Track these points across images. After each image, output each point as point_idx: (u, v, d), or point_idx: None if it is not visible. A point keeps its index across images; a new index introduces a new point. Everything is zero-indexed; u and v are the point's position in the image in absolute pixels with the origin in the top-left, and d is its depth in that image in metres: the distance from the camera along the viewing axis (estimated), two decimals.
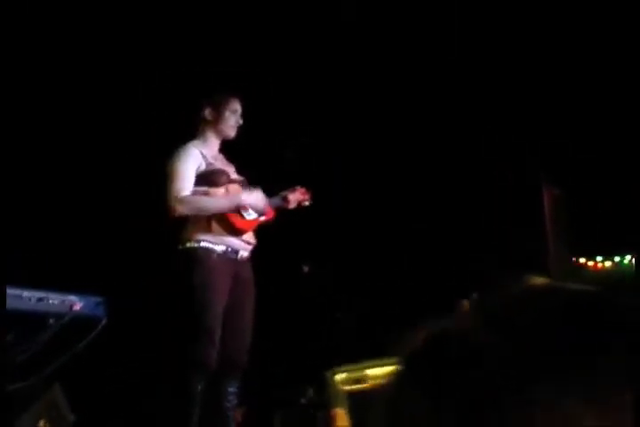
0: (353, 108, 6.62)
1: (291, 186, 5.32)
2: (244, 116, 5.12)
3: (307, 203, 5.33)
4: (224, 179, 5.00)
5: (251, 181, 5.18)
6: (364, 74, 6.32)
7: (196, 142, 5.04)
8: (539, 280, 1.09)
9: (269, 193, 5.14)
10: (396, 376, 1.01)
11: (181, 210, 4.75)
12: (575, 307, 0.96)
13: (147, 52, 6.27)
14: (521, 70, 6.13)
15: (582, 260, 7.34)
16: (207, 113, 5.07)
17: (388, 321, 6.28)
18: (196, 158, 4.93)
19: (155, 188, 4.86)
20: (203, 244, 4.80)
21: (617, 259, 7.41)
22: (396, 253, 6.65)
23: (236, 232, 4.91)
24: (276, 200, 5.22)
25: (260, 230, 5.09)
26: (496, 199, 6.23)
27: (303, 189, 5.33)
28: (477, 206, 6.45)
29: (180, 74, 6.26)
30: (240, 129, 5.12)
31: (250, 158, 5.39)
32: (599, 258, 7.37)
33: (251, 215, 4.99)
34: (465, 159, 6.50)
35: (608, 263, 7.43)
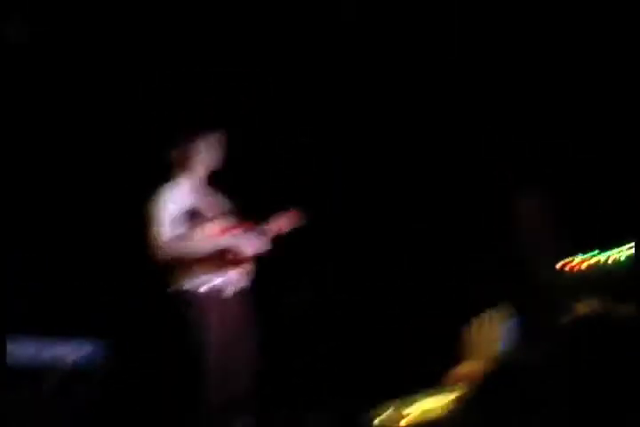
0: (345, 115, 6.60)
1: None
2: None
3: (295, 225, 5.31)
4: (205, 219, 5.07)
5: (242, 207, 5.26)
6: (361, 75, 6.36)
7: (175, 184, 5.09)
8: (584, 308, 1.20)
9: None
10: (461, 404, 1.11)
11: (164, 254, 4.81)
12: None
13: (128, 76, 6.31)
14: (499, 77, 6.20)
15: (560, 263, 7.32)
16: (175, 156, 5.14)
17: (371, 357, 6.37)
18: (174, 201, 4.99)
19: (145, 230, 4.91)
20: (192, 284, 4.86)
21: (594, 258, 7.43)
22: (380, 281, 6.64)
23: (225, 270, 4.97)
24: (260, 234, 5.21)
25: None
26: (471, 206, 6.28)
27: (290, 213, 5.29)
28: (457, 214, 6.47)
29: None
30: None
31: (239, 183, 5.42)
32: (577, 259, 7.37)
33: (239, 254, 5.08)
34: (439, 170, 6.51)
35: (585, 264, 7.44)
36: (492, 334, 2.56)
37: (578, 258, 7.30)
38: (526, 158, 6.18)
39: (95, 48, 6.17)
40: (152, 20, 6.05)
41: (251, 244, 5.11)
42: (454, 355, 3.75)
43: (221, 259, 4.98)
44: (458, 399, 2.28)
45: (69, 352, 5.04)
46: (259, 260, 5.17)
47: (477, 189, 6.37)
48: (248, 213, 5.25)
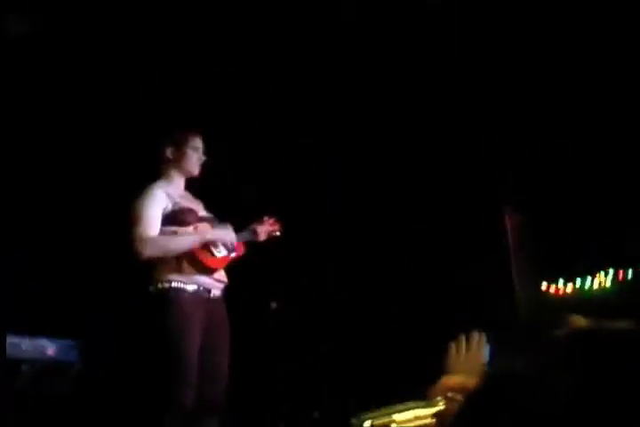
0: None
1: (258, 218, 5.32)
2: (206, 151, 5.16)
3: (277, 233, 5.33)
4: (192, 217, 5.02)
5: (219, 217, 5.21)
6: (361, 75, 6.31)
7: (160, 183, 5.03)
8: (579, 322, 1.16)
9: (238, 228, 5.17)
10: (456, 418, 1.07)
11: (148, 252, 4.74)
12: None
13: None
14: (488, 87, 6.18)
15: (544, 285, 7.22)
16: (169, 152, 5.09)
17: (358, 364, 6.30)
18: (160, 200, 4.93)
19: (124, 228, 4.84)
20: (174, 284, 4.79)
21: (578, 282, 7.43)
22: (373, 291, 6.57)
23: (207, 271, 4.91)
24: (245, 234, 5.23)
25: (229, 266, 5.11)
26: (458, 224, 6.24)
27: (272, 220, 5.32)
28: (440, 232, 6.44)
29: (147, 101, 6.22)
30: (204, 165, 5.16)
31: (215, 193, 5.36)
32: (560, 282, 7.35)
33: (221, 252, 5.02)
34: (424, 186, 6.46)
35: (569, 288, 7.43)
36: (478, 348, 2.52)
37: (561, 282, 7.32)
38: (516, 174, 6.13)
39: (90, 40, 6.11)
40: (152, 17, 6.01)
41: (233, 236, 5.07)
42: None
43: (206, 258, 4.91)
44: (445, 411, 2.23)
45: (46, 348, 4.96)
46: (259, 257, 5.12)
47: (441, 212, 6.40)
48: (241, 215, 5.21)
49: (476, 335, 2.53)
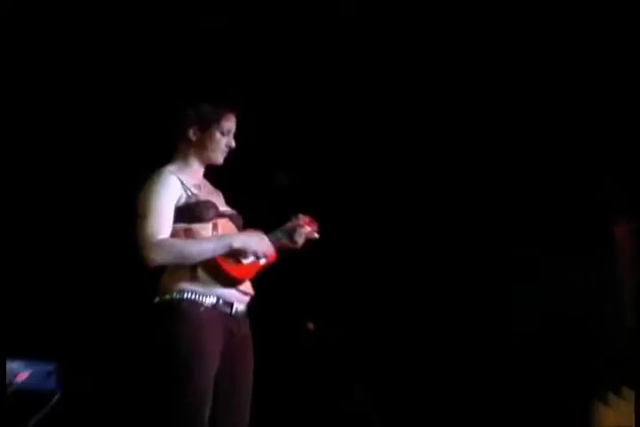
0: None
1: (288, 215, 4.24)
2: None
3: (315, 235, 4.23)
4: (211, 212, 3.98)
5: (243, 215, 4.17)
6: (361, 74, 6.03)
7: (173, 167, 4.02)
8: None
9: (265, 227, 4.12)
10: None
11: (158, 258, 3.75)
12: None
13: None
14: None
15: None
16: (191, 133, 4.06)
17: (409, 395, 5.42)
18: (174, 189, 3.92)
19: (121, 222, 3.93)
20: (187, 295, 3.82)
21: None
22: (426, 309, 5.74)
23: (230, 281, 3.90)
24: (279, 234, 4.16)
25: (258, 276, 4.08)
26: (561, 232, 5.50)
27: (307, 218, 4.25)
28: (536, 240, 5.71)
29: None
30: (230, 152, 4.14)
31: (236, 183, 4.41)
32: None
33: (248, 259, 4.00)
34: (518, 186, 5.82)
35: None
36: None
37: None
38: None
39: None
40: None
41: (269, 246, 4.03)
42: None
43: (230, 266, 3.90)
44: None
45: (17, 373, 4.14)
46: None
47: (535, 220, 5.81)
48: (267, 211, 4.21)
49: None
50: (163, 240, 3.78)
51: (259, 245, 3.98)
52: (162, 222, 3.82)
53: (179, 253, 3.79)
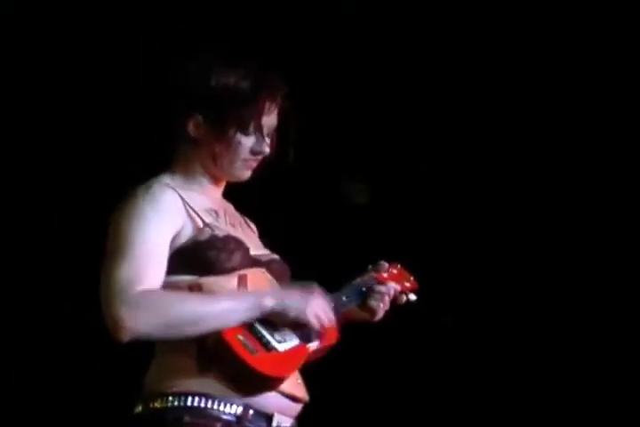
0: None
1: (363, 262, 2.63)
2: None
3: (412, 297, 2.61)
4: (237, 257, 2.36)
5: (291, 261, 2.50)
6: (361, 75, 5.51)
7: (171, 179, 2.47)
8: None
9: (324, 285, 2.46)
10: None
11: (136, 325, 2.23)
12: None
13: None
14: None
15: None
16: (192, 126, 2.44)
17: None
18: (172, 213, 2.38)
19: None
20: (190, 401, 2.28)
21: None
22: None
23: (260, 380, 2.27)
24: (346, 300, 2.49)
25: None
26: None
27: (396, 268, 2.65)
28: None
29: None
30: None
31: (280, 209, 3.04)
32: None
33: (288, 342, 2.33)
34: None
35: None
36: None
37: None
38: None
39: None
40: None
41: (326, 308, 2.39)
42: None
43: (257, 357, 2.27)
44: None
45: None
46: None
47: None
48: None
49: None
50: (145, 293, 2.26)
51: (311, 309, 2.34)
52: (147, 264, 2.30)
53: (172, 315, 2.26)
